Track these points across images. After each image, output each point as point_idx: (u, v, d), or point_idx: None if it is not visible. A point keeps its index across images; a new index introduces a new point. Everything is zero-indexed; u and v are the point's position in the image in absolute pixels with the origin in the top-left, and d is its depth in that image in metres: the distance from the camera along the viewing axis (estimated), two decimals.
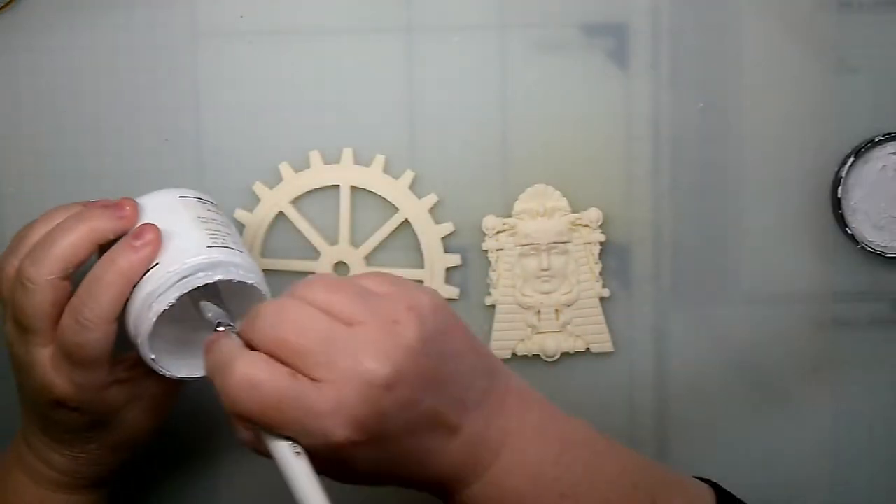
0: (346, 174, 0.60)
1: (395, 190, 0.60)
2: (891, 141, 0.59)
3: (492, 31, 0.60)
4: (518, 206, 0.59)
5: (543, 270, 0.59)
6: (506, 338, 0.60)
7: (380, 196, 0.60)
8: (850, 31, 0.59)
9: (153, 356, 0.49)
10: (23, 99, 0.60)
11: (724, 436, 0.61)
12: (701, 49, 0.60)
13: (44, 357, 0.50)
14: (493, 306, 0.60)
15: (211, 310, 0.48)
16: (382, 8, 0.60)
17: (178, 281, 0.48)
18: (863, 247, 0.59)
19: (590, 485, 0.46)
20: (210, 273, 0.48)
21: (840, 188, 0.59)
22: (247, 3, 0.60)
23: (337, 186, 0.60)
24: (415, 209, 0.60)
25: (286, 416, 0.42)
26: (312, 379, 0.42)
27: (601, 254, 0.60)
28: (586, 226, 0.59)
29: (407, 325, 0.43)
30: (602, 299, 0.60)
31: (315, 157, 0.60)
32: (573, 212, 0.60)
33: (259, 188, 0.60)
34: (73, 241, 0.49)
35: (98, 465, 0.54)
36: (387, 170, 0.60)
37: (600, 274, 0.60)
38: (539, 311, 0.60)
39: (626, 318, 0.61)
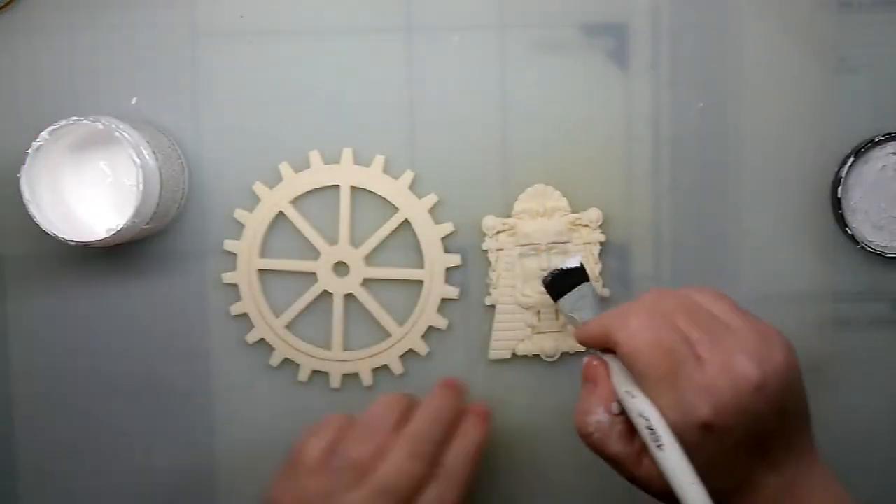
0: (346, 174, 0.60)
1: (395, 190, 0.60)
2: (891, 141, 0.59)
3: (492, 31, 0.60)
4: (518, 206, 0.59)
5: (543, 270, 0.59)
6: (506, 338, 0.60)
7: (380, 196, 0.60)
8: (850, 31, 0.59)
9: None
10: (22, 99, 0.60)
11: None
12: (701, 49, 0.60)
13: None
14: (492, 306, 0.60)
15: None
16: (382, 8, 0.60)
17: None
18: (863, 247, 0.59)
19: None
20: None
21: (840, 188, 0.59)
22: (247, 3, 0.60)
23: (337, 186, 0.60)
24: (415, 209, 0.60)
25: (671, 364, 0.47)
26: (695, 353, 0.48)
27: (601, 254, 0.60)
28: (586, 226, 0.59)
29: (778, 343, 0.49)
30: (602, 299, 0.60)
31: (315, 157, 0.60)
32: (573, 212, 0.60)
33: (259, 188, 0.60)
34: (454, 419, 0.55)
35: None
36: (387, 170, 0.60)
37: (600, 274, 0.60)
38: (539, 312, 0.60)
39: None
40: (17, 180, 0.54)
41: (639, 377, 0.49)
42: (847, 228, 0.59)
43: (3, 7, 0.60)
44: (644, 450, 0.49)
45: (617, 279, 0.61)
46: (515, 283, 0.60)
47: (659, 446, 0.47)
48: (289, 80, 0.60)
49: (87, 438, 0.62)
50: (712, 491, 0.47)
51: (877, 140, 0.58)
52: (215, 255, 0.61)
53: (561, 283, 0.56)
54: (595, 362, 0.52)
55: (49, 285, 0.61)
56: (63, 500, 0.62)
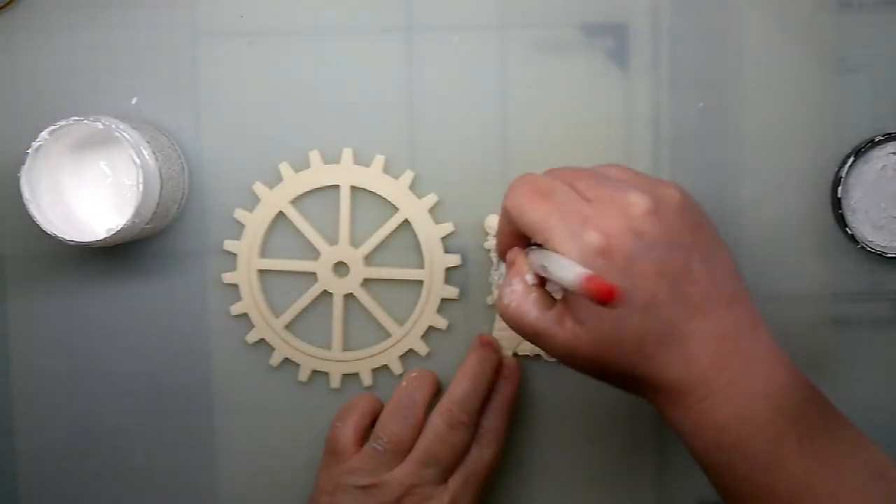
0: (346, 174, 0.60)
1: (395, 190, 0.60)
2: (891, 141, 0.59)
3: (492, 31, 0.60)
4: None
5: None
6: (507, 337, 0.60)
7: (380, 196, 0.60)
8: (850, 31, 0.59)
9: None
10: (22, 99, 0.60)
11: None
12: (701, 49, 0.60)
13: (443, 490, 0.55)
14: (493, 306, 0.60)
15: None
16: (382, 8, 0.60)
17: None
18: (863, 247, 0.59)
19: (826, 440, 0.47)
20: None
21: (840, 188, 0.59)
22: (247, 3, 0.60)
23: (337, 186, 0.60)
24: (415, 209, 0.60)
25: (553, 207, 0.47)
26: (584, 198, 0.47)
27: None
28: None
29: (671, 187, 0.48)
30: None
31: (315, 157, 0.60)
32: None
33: (259, 188, 0.60)
34: (490, 382, 0.58)
35: None
36: (387, 170, 0.60)
37: None
38: None
39: None
40: (17, 180, 0.54)
41: (528, 229, 0.48)
42: (847, 228, 0.59)
43: (3, 7, 0.60)
44: (565, 312, 0.48)
45: None
46: None
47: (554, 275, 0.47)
48: (289, 80, 0.60)
49: (87, 438, 0.62)
50: (639, 338, 0.46)
51: (877, 140, 0.58)
52: (215, 255, 0.61)
53: None
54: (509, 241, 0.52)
55: (49, 285, 0.61)
56: (63, 501, 0.62)
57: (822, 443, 0.47)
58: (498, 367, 0.59)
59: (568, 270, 0.44)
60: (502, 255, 0.52)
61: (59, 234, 0.55)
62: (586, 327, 0.47)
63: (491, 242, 0.59)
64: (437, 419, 0.56)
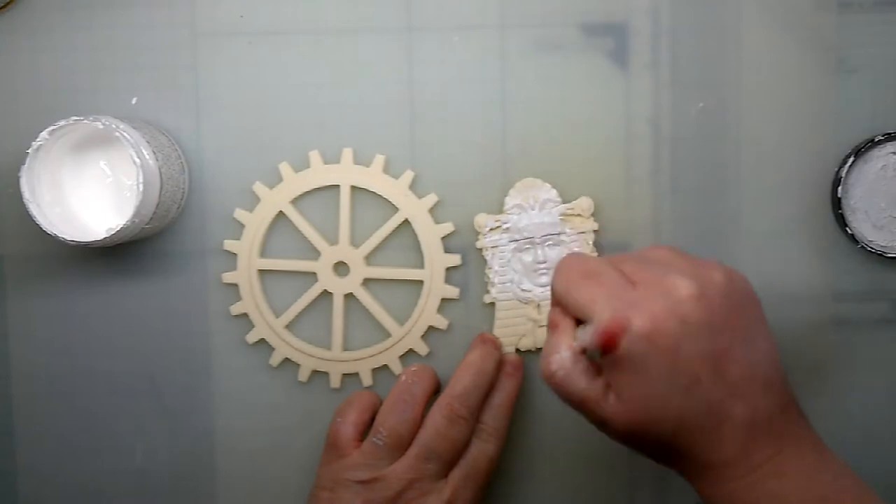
0: (346, 174, 0.60)
1: (395, 190, 0.60)
2: (891, 141, 0.59)
3: (492, 31, 0.60)
4: (508, 201, 0.59)
5: (539, 263, 0.59)
6: (508, 334, 0.60)
7: (380, 196, 0.60)
8: (850, 31, 0.59)
9: None
10: (22, 98, 0.60)
11: None
12: (701, 49, 0.60)
13: (442, 484, 0.55)
14: (492, 304, 0.60)
15: None
16: (382, 8, 0.60)
17: None
18: (863, 247, 0.59)
19: None
20: None
21: (840, 188, 0.59)
22: (247, 3, 0.60)
23: (337, 186, 0.60)
24: (415, 209, 0.60)
25: (600, 289, 0.48)
26: (630, 281, 0.48)
27: (596, 243, 0.60)
28: (578, 215, 0.59)
29: (716, 269, 0.49)
30: None
31: (315, 157, 0.60)
32: (564, 202, 0.59)
33: (259, 188, 0.60)
34: (493, 378, 0.58)
35: None
36: (387, 170, 0.60)
37: None
38: (539, 305, 0.60)
39: None
40: (17, 180, 0.54)
41: (575, 310, 0.49)
42: (847, 228, 0.59)
43: (3, 7, 0.60)
44: (610, 386, 0.48)
45: None
46: (513, 279, 0.60)
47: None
48: (289, 80, 0.60)
49: (87, 438, 0.62)
50: (679, 418, 0.47)
51: (877, 140, 0.58)
52: (215, 255, 0.61)
53: None
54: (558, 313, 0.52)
55: (49, 285, 0.61)
56: (63, 500, 0.62)
57: None
58: (500, 364, 0.59)
59: (590, 332, 0.47)
60: (552, 324, 0.52)
61: (60, 234, 0.55)
62: (630, 404, 0.47)
63: (482, 241, 0.59)
64: (437, 414, 0.56)
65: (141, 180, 0.54)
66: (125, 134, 0.54)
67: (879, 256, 0.59)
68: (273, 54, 0.60)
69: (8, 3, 0.60)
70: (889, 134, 0.59)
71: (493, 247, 0.59)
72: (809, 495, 0.48)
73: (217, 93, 0.60)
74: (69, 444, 0.62)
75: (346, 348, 0.61)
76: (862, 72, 0.60)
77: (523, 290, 0.59)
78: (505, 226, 0.59)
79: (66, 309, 0.61)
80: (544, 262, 0.59)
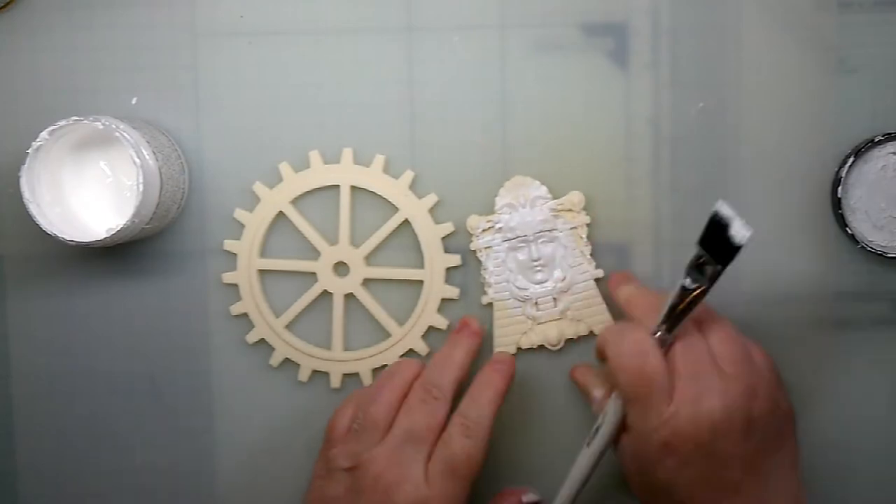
0: (346, 174, 0.60)
1: (395, 190, 0.60)
2: (891, 141, 0.59)
3: (492, 31, 0.60)
4: (499, 201, 0.59)
5: (534, 261, 0.59)
6: (508, 333, 0.60)
7: (380, 196, 0.60)
8: (850, 31, 0.59)
9: None
10: (22, 98, 0.60)
11: None
12: (701, 49, 0.60)
13: (419, 471, 0.54)
14: (490, 304, 0.60)
15: None
16: (382, 8, 0.60)
17: None
18: (863, 247, 0.59)
19: None
20: None
21: (840, 188, 0.59)
22: (247, 3, 0.60)
23: (337, 186, 0.60)
24: (415, 209, 0.60)
25: (643, 396, 0.51)
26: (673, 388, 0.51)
27: (589, 236, 0.60)
28: (569, 210, 0.59)
29: (766, 365, 0.54)
30: (597, 280, 0.60)
31: (315, 157, 0.60)
32: (554, 198, 0.59)
33: (259, 188, 0.60)
34: (462, 360, 0.58)
35: None
36: (387, 170, 0.60)
37: (591, 255, 0.59)
38: (536, 302, 0.60)
39: None
40: (18, 180, 0.54)
41: (618, 389, 0.53)
42: (847, 228, 0.59)
43: (3, 7, 0.60)
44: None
45: None
46: (509, 278, 0.60)
47: (588, 444, 0.55)
48: (289, 80, 0.60)
49: (87, 438, 0.62)
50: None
51: (877, 140, 0.58)
52: (215, 255, 0.61)
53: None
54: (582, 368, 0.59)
55: (49, 285, 0.61)
56: (63, 500, 0.62)
57: None
58: (476, 348, 0.59)
59: (596, 443, 0.55)
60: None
61: (59, 234, 0.55)
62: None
63: (476, 243, 0.59)
64: (411, 395, 0.56)
65: (141, 180, 0.54)
66: (125, 134, 0.54)
67: (879, 256, 0.59)
68: (273, 54, 0.60)
69: (8, 3, 0.60)
70: (889, 134, 0.58)
71: (486, 247, 0.59)
72: None
73: (217, 93, 0.60)
74: (69, 444, 0.62)
75: (346, 348, 0.61)
76: (862, 72, 0.60)
77: (519, 288, 0.59)
78: (497, 226, 0.59)
79: (66, 309, 0.61)
80: (538, 260, 0.59)
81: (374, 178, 0.60)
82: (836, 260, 0.60)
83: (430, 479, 0.54)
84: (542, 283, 0.59)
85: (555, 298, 0.60)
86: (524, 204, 0.59)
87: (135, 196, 0.54)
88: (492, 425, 0.56)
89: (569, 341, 0.60)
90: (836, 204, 0.59)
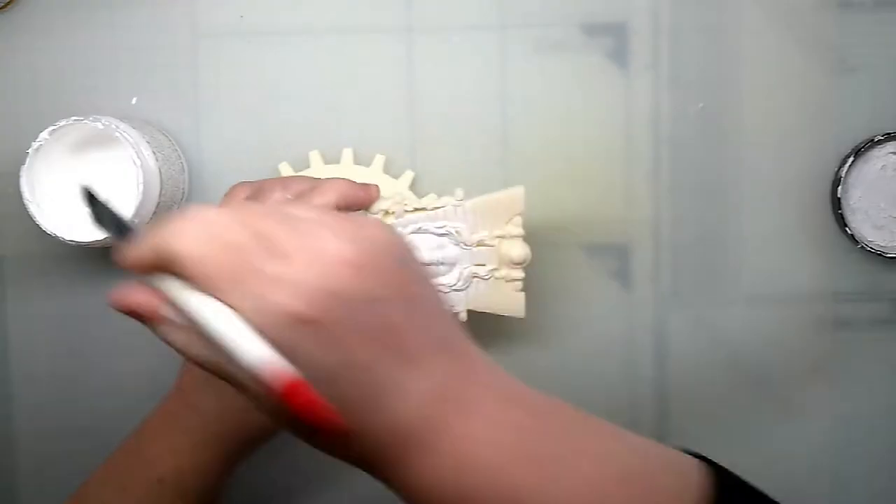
0: (346, 174, 0.60)
1: (394, 190, 0.60)
2: (891, 141, 0.59)
3: (492, 31, 0.60)
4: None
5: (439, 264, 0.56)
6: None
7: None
8: (850, 31, 0.59)
9: None
10: (22, 98, 0.60)
11: (724, 435, 0.61)
12: (701, 49, 0.60)
13: None
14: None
15: None
16: (382, 8, 0.60)
17: None
18: (863, 247, 0.59)
19: (565, 461, 0.42)
20: None
21: (840, 188, 0.59)
22: (247, 3, 0.60)
23: None
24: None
25: (240, 271, 0.39)
26: (278, 252, 0.40)
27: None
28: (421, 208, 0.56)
29: (377, 226, 0.42)
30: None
31: (315, 157, 0.60)
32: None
33: None
34: (334, 196, 0.52)
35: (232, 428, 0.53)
36: (387, 170, 0.60)
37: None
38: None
39: (626, 318, 0.61)
40: (18, 180, 0.54)
41: (207, 288, 0.39)
42: (847, 228, 0.59)
43: (3, 7, 0.60)
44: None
45: (617, 279, 0.61)
46: None
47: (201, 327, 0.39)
48: (289, 80, 0.60)
49: (87, 438, 0.61)
50: (352, 401, 0.40)
51: (877, 140, 0.58)
52: None
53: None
54: (142, 292, 0.42)
55: (49, 285, 0.61)
56: (63, 501, 0.62)
57: (564, 470, 0.43)
58: (349, 200, 0.54)
59: (252, 351, 0.38)
60: (138, 267, 0.41)
61: (59, 234, 0.55)
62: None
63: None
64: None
65: (141, 180, 0.54)
66: (125, 134, 0.54)
67: (879, 256, 0.59)
68: (273, 54, 0.60)
69: (8, 3, 0.60)
70: (889, 134, 0.59)
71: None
72: (512, 457, 0.42)
73: (217, 93, 0.60)
74: (69, 444, 0.62)
75: None
76: (862, 72, 0.60)
77: None
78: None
79: (67, 309, 0.61)
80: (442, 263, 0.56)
81: (374, 178, 0.60)
82: (836, 260, 0.60)
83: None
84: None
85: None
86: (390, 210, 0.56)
87: (135, 196, 0.54)
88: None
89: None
90: (836, 204, 0.59)
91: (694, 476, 0.43)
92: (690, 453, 0.45)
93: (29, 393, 0.62)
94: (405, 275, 0.42)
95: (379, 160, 0.60)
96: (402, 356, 0.41)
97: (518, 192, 0.55)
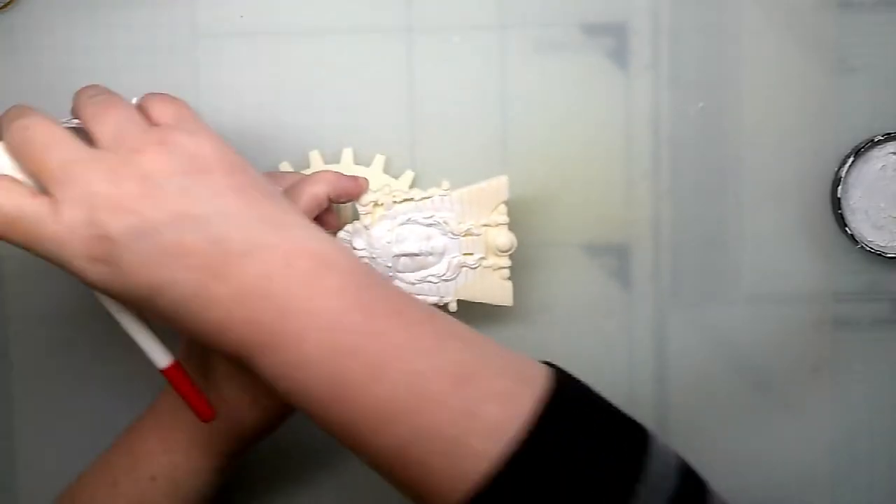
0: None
1: (382, 181, 0.60)
2: (891, 141, 0.59)
3: (492, 31, 0.60)
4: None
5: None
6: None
7: None
8: (850, 31, 0.59)
9: None
10: (23, 98, 0.60)
11: (724, 436, 0.61)
12: (701, 49, 0.60)
13: None
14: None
15: None
16: (382, 8, 0.60)
17: None
18: (863, 247, 0.59)
19: (399, 354, 0.42)
20: None
21: (840, 188, 0.59)
22: (247, 3, 0.60)
23: None
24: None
25: (24, 236, 0.43)
26: (52, 198, 0.43)
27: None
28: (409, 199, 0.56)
29: (151, 156, 0.44)
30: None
31: (315, 157, 0.60)
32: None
33: None
34: (324, 187, 0.53)
35: (234, 422, 0.53)
36: (387, 170, 0.60)
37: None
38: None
39: (626, 318, 0.61)
40: None
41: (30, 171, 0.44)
42: (847, 228, 0.59)
43: (3, 7, 0.60)
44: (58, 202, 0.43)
45: (617, 279, 0.61)
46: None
47: None
48: (289, 80, 0.60)
49: (87, 438, 0.61)
50: (175, 312, 0.43)
51: (877, 140, 0.58)
52: None
53: None
54: None
55: (49, 285, 0.61)
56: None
57: (391, 363, 0.42)
58: (329, 191, 0.54)
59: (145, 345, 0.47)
60: None
61: None
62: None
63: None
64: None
65: None
66: None
67: (879, 256, 0.59)
68: (273, 54, 0.60)
69: (8, 3, 0.60)
70: (889, 134, 0.59)
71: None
72: (336, 350, 0.42)
73: (217, 93, 0.60)
74: (69, 444, 0.62)
75: None
76: (862, 72, 0.60)
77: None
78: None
79: (66, 309, 0.61)
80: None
81: (374, 178, 0.60)
82: (836, 260, 0.60)
83: None
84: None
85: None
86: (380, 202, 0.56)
87: None
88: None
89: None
90: (836, 204, 0.59)
91: (538, 382, 0.44)
92: (545, 363, 0.45)
93: (28, 392, 0.61)
94: (186, 200, 0.43)
95: (379, 160, 0.60)
96: (206, 269, 0.43)
97: (502, 180, 0.56)
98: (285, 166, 0.60)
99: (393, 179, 0.60)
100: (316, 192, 0.53)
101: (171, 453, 0.54)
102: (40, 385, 0.61)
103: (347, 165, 0.60)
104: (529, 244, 0.60)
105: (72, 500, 0.55)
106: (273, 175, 0.56)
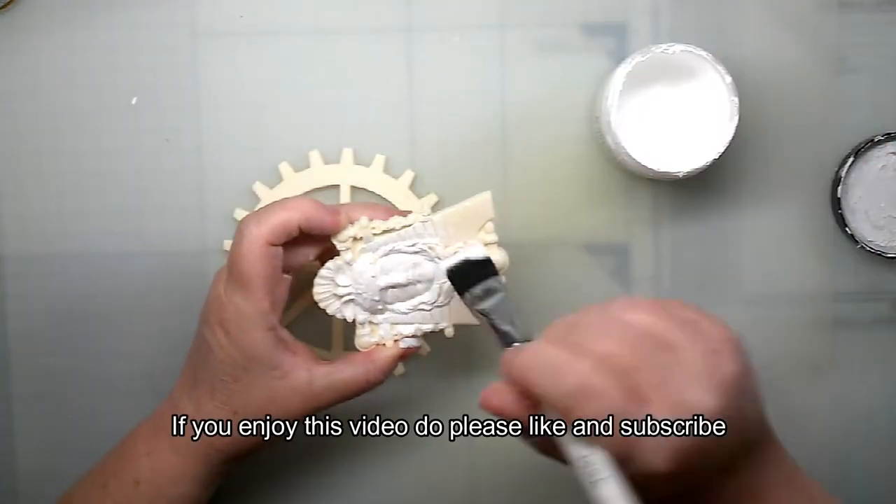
0: (346, 174, 0.60)
1: (395, 190, 0.60)
2: (891, 141, 0.59)
3: (492, 31, 0.60)
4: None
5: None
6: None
7: (380, 196, 0.60)
8: (850, 31, 0.59)
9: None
10: (23, 98, 0.60)
11: None
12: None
13: None
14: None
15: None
16: (382, 8, 0.60)
17: None
18: (863, 247, 0.59)
19: None
20: None
21: (840, 188, 0.59)
22: (247, 3, 0.60)
23: (337, 186, 0.60)
24: (415, 209, 0.60)
25: (599, 412, 0.41)
26: (640, 398, 0.41)
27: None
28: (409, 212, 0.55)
29: (727, 356, 0.43)
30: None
31: (315, 157, 0.60)
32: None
33: (259, 188, 0.60)
34: (297, 214, 0.51)
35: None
36: (387, 170, 0.60)
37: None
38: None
39: None
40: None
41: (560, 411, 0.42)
42: (847, 228, 0.59)
43: (3, 7, 0.60)
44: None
45: (617, 279, 0.61)
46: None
47: (593, 482, 0.42)
48: (289, 80, 0.60)
49: (87, 438, 0.62)
50: (661, 499, 0.44)
51: (877, 140, 0.58)
52: (215, 255, 0.61)
53: (466, 274, 0.50)
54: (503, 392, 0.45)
55: (49, 285, 0.61)
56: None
57: None
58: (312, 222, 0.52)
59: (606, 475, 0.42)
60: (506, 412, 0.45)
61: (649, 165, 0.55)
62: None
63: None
64: None
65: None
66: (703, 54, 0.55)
67: (879, 256, 0.59)
68: (273, 54, 0.60)
69: (8, 3, 0.60)
70: (889, 134, 0.59)
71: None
72: None
73: (217, 93, 0.60)
74: (69, 444, 0.62)
75: (346, 348, 0.61)
76: (862, 72, 0.60)
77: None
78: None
79: (66, 308, 0.61)
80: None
81: (374, 178, 0.60)
82: (836, 260, 0.60)
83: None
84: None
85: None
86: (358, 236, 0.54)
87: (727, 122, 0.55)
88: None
89: None
90: (836, 204, 0.59)
91: None
92: None
93: (29, 392, 0.61)
94: (747, 403, 0.44)
95: (379, 160, 0.60)
96: (729, 468, 0.44)
97: (485, 197, 0.53)
98: (285, 166, 0.60)
99: (393, 179, 0.60)
100: (287, 217, 0.51)
101: (154, 458, 0.54)
102: (40, 385, 0.61)
103: (347, 165, 0.60)
104: (529, 244, 0.60)
105: (70, 500, 0.55)
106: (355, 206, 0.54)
